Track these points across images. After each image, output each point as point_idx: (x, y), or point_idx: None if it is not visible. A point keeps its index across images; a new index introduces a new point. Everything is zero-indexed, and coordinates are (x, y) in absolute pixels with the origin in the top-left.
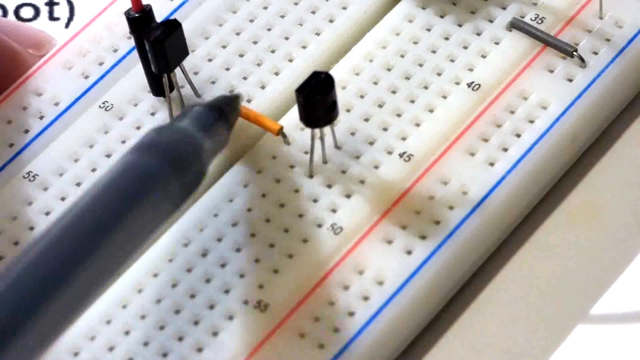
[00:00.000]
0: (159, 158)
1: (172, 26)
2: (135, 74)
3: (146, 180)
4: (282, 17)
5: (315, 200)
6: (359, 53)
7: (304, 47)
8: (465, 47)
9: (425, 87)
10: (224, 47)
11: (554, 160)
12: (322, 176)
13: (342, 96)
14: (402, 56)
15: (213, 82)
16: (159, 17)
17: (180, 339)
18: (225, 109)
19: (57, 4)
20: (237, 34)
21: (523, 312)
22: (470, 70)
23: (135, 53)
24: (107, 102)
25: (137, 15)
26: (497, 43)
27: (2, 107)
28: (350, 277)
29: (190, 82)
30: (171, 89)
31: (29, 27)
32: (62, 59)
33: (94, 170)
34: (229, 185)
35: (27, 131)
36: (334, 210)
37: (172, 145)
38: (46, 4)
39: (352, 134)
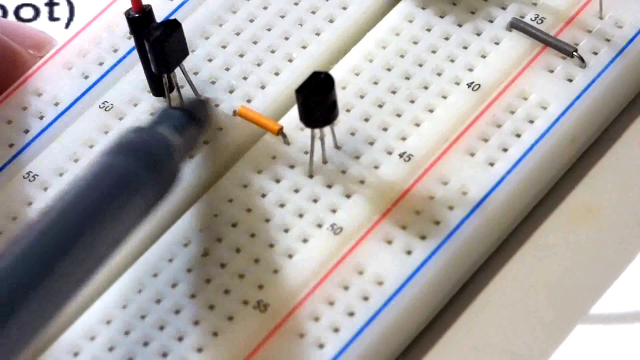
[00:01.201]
0: (133, 158)
1: (172, 26)
2: (135, 74)
3: (120, 180)
4: (282, 17)
5: (315, 201)
6: (359, 53)
7: (304, 47)
8: (465, 47)
9: (425, 87)
10: (224, 47)
11: (553, 160)
12: (322, 176)
13: (342, 96)
14: (402, 56)
15: (213, 82)
16: (159, 17)
17: (180, 339)
18: (197, 112)
19: (57, 4)
20: (237, 34)
21: (523, 312)
22: (470, 70)
23: (135, 53)
24: (107, 102)
25: (137, 15)
26: (497, 43)
27: (2, 107)
28: (350, 277)
29: (190, 82)
30: (171, 89)
31: (29, 27)
32: (62, 59)
33: None
34: (228, 186)
35: (27, 131)
36: (333, 211)
37: (145, 146)
38: (46, 4)
39: (352, 134)
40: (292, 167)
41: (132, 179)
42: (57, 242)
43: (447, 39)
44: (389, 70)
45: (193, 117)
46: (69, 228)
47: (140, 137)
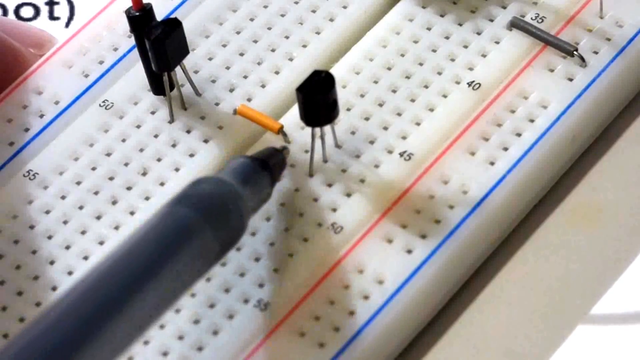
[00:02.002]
0: (195, 210)
1: (173, 25)
2: (136, 73)
3: (180, 232)
4: (282, 16)
5: (315, 199)
6: (359, 52)
7: (304, 46)
8: (466, 47)
9: (426, 86)
10: (224, 45)
11: (554, 159)
12: (322, 175)
13: (343, 95)
14: (403, 55)
15: (213, 81)
16: (160, 15)
17: (181, 338)
18: (270, 162)
19: (57, 3)
20: (238, 32)
21: (523, 312)
22: (471, 69)
23: (136, 52)
24: (107, 100)
25: (137, 14)
26: (497, 42)
27: (2, 106)
28: (350, 276)
29: (190, 81)
30: (171, 88)
31: (30, 26)
32: (63, 58)
33: (94, 169)
34: None
35: (27, 130)
36: (334, 210)
37: (209, 197)
38: (46, 3)
39: (353, 133)
40: (292, 166)
41: (191, 231)
42: (109, 295)
43: (447, 38)
44: (389, 69)
45: (264, 166)
46: (121, 281)
47: (204, 188)
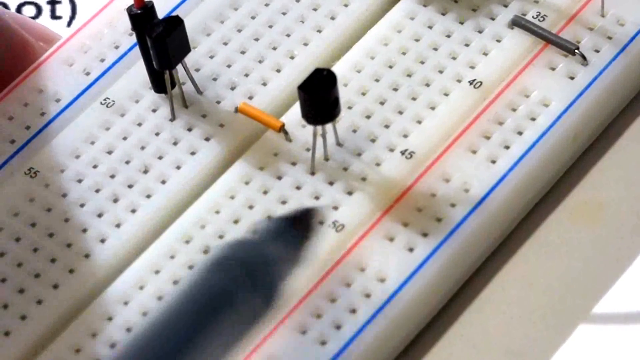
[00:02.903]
0: (230, 276)
1: (174, 23)
2: (137, 71)
3: (216, 299)
4: (284, 14)
5: (317, 198)
6: (361, 50)
7: (305, 44)
8: (467, 45)
9: (427, 85)
10: (225, 43)
11: (555, 157)
12: (323, 173)
13: (344, 93)
14: (404, 53)
15: (215, 79)
16: (161, 13)
17: None
18: (304, 224)
19: (59, 2)
20: (239, 30)
21: (524, 311)
22: (472, 67)
23: (137, 50)
24: (108, 98)
25: (139, 11)
26: (498, 41)
27: (3, 104)
28: (351, 274)
29: (191, 79)
30: (173, 86)
31: (40, 23)
32: (64, 56)
33: (95, 166)
34: (230, 182)
35: (28, 127)
36: (335, 208)
37: (245, 262)
38: (48, 2)
39: (354, 131)
40: (294, 164)
41: (227, 299)
42: None
43: (448, 36)
44: (390, 67)
45: (298, 228)
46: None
47: (239, 254)
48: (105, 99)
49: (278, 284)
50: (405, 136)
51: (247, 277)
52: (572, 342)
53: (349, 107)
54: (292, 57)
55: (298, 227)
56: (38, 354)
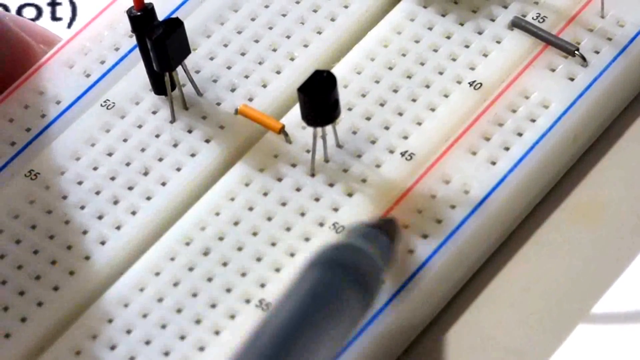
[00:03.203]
0: (348, 278)
1: (174, 25)
2: (137, 73)
3: (335, 298)
4: (284, 15)
5: (317, 199)
6: (361, 52)
7: (305, 46)
8: (467, 46)
9: (427, 86)
10: (225, 45)
11: (555, 159)
12: (323, 175)
13: (344, 95)
14: (404, 55)
15: (215, 81)
16: (161, 15)
17: (182, 337)
18: (390, 230)
19: (59, 4)
20: (239, 32)
21: (524, 311)
22: (472, 69)
23: (137, 51)
24: (108, 100)
25: (138, 13)
26: (498, 42)
27: (3, 105)
28: None
29: (192, 81)
30: (173, 88)
31: (40, 26)
32: (64, 57)
33: (95, 169)
34: (230, 184)
35: (28, 129)
36: (335, 209)
37: (357, 266)
38: (48, 4)
39: (354, 132)
40: (293, 165)
41: (343, 300)
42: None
43: (448, 37)
44: (390, 68)
45: (387, 236)
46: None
47: (353, 259)
48: (105, 101)
49: (378, 284)
50: (405, 137)
51: (358, 281)
52: (572, 341)
53: (349, 109)
54: (292, 59)
55: (385, 231)
56: (38, 356)
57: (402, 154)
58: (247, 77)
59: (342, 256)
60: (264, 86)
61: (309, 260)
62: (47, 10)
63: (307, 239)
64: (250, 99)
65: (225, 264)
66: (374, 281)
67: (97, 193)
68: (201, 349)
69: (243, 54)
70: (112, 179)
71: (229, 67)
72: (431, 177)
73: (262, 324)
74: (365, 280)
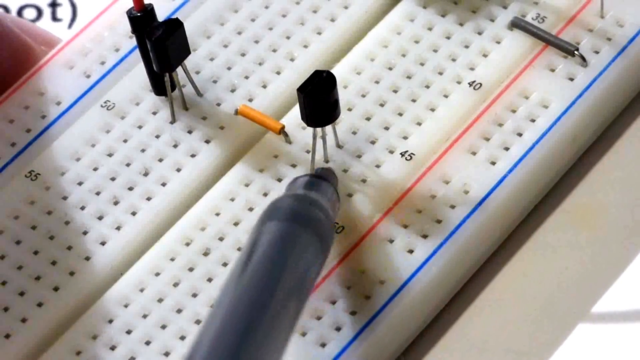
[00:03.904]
0: (308, 229)
1: (174, 25)
2: (137, 73)
3: (300, 249)
4: (284, 16)
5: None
6: (360, 52)
7: (305, 46)
8: (467, 46)
9: (427, 86)
10: (225, 46)
11: (555, 159)
12: None
13: (344, 95)
14: (404, 55)
15: (215, 81)
16: (161, 16)
17: (182, 338)
18: (329, 177)
19: (59, 5)
20: (239, 33)
21: (524, 311)
22: (472, 69)
23: (137, 52)
24: (108, 101)
25: (138, 14)
26: (498, 42)
27: (4, 107)
28: (352, 276)
29: (191, 81)
30: (173, 88)
31: (40, 27)
32: (64, 58)
33: (95, 169)
34: (230, 184)
35: (28, 130)
36: None
37: (315, 217)
38: (49, 5)
39: (354, 133)
40: (294, 166)
41: (305, 246)
42: (255, 309)
43: (448, 38)
44: (390, 69)
45: (329, 183)
46: (261, 296)
47: (309, 209)
48: (105, 102)
49: (332, 233)
50: (405, 138)
51: (315, 229)
52: (572, 341)
53: (349, 109)
54: (292, 59)
55: (328, 181)
56: (39, 357)
57: (402, 154)
58: (247, 77)
59: (298, 208)
60: (264, 87)
61: (265, 214)
62: (47, 11)
63: None
64: (250, 100)
65: (225, 265)
66: (328, 231)
67: (98, 193)
68: None
69: (243, 55)
70: (112, 179)
71: (229, 68)
72: (431, 177)
73: (230, 278)
74: (322, 230)
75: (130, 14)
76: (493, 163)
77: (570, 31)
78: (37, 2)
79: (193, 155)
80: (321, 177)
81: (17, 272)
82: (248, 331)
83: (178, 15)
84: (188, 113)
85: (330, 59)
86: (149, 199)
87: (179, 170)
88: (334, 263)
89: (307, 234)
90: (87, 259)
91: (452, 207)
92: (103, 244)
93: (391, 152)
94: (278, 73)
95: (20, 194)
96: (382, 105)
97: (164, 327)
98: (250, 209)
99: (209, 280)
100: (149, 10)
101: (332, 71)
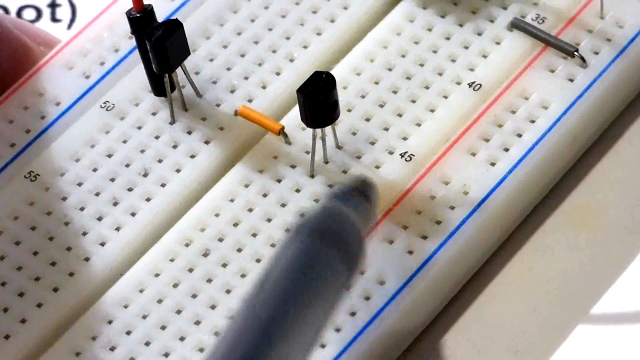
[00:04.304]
0: (331, 246)
1: (174, 26)
2: (136, 74)
3: (320, 267)
4: (283, 17)
5: (316, 200)
6: (360, 53)
7: (305, 47)
8: (466, 47)
9: (426, 87)
10: (225, 46)
11: (555, 160)
12: (323, 176)
13: (343, 96)
14: (403, 56)
15: (214, 82)
16: (160, 16)
17: (182, 338)
18: (368, 191)
19: (59, 5)
20: (238, 33)
21: (524, 312)
22: (471, 70)
23: (137, 53)
24: (108, 101)
25: (138, 15)
26: (498, 43)
27: (3, 107)
28: None
29: (191, 82)
30: (172, 89)
31: (40, 28)
32: (64, 59)
33: (95, 170)
34: (230, 185)
35: (28, 131)
36: None
37: (340, 234)
38: (48, 5)
39: (353, 133)
40: (293, 166)
41: (329, 267)
42: (265, 330)
43: (448, 38)
44: (390, 70)
45: (366, 198)
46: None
47: (336, 225)
48: (105, 102)
49: (361, 248)
50: (405, 139)
51: (340, 244)
52: (571, 342)
53: (349, 110)
54: (291, 60)
55: (363, 194)
56: (38, 357)
57: (402, 155)
58: (246, 78)
59: (325, 223)
60: (264, 87)
61: (292, 229)
62: (46, 12)
63: None
64: (250, 100)
65: (225, 265)
66: (356, 246)
67: (97, 194)
68: (201, 350)
69: (243, 55)
70: (112, 180)
71: (228, 69)
72: (431, 178)
73: (252, 293)
74: (349, 245)
75: (129, 15)
76: (493, 164)
77: (570, 32)
78: (37, 2)
79: (193, 156)
80: (360, 191)
81: (17, 273)
82: (260, 345)
83: (177, 15)
84: (188, 114)
85: (329, 59)
86: (148, 199)
87: (178, 171)
88: None
89: (332, 251)
90: (87, 259)
91: (452, 208)
92: (103, 244)
93: (391, 153)
94: (278, 74)
95: (19, 195)
96: (381, 106)
97: (163, 327)
98: (250, 210)
99: (209, 281)
100: (149, 11)
101: (332, 72)
